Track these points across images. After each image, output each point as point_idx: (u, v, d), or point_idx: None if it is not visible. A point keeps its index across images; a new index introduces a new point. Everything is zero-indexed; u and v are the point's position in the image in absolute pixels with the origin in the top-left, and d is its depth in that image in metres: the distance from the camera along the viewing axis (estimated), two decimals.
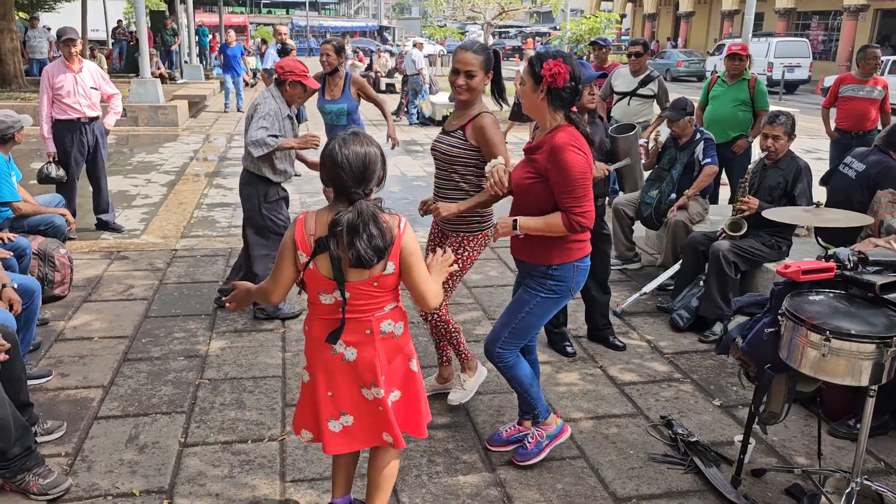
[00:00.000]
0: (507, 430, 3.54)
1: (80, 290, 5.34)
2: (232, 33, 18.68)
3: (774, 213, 3.60)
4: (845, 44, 29.85)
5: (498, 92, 3.64)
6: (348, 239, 2.34)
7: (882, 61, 7.69)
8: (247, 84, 21.85)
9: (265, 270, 4.61)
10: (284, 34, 12.48)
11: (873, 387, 2.72)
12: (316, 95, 5.90)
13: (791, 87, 25.71)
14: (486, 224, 3.69)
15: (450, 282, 3.72)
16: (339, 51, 6.00)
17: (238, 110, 16.99)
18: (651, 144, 6.22)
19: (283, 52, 10.96)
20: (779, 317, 2.79)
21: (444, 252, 2.70)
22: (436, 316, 3.74)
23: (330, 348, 2.52)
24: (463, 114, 3.57)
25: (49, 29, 22.78)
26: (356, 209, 2.36)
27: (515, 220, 3.03)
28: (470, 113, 3.53)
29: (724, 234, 4.87)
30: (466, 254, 3.69)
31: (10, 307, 3.67)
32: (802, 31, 34.92)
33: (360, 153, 2.39)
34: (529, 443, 3.38)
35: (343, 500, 2.82)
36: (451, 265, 2.69)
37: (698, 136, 5.70)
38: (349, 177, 2.37)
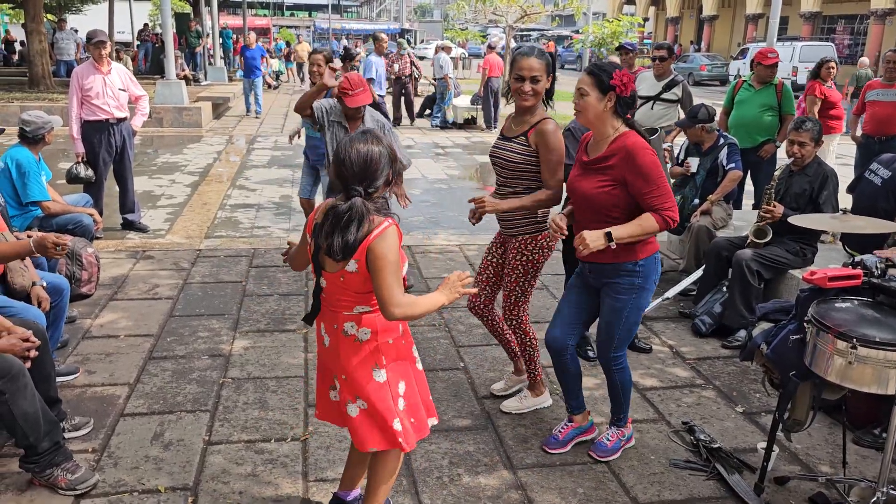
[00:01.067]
0: (561, 431, 3.56)
1: (106, 289, 5.42)
2: (252, 35, 18.59)
3: (801, 220, 3.58)
4: (872, 48, 29.47)
5: (549, 95, 3.62)
6: (329, 229, 2.44)
7: None
8: (269, 86, 21.96)
9: None
10: (384, 41, 12.27)
11: None
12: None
13: None
14: (543, 226, 3.64)
15: (518, 289, 3.69)
16: (329, 60, 5.98)
17: (256, 115, 16.88)
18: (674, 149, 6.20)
19: (347, 57, 10.26)
20: (804, 324, 2.78)
21: (460, 273, 2.62)
22: (514, 322, 3.78)
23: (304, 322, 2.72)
24: (523, 119, 3.55)
25: (76, 31, 23.13)
26: (350, 205, 2.42)
27: (608, 234, 2.99)
28: (531, 119, 3.51)
29: (750, 242, 4.84)
30: (527, 257, 3.62)
31: (39, 304, 3.74)
32: (828, 35, 34.56)
33: (361, 151, 2.44)
34: (610, 440, 3.48)
35: (343, 494, 2.93)
36: (465, 284, 2.59)
37: (721, 140, 5.67)
38: (350, 174, 2.44)
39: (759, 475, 3.18)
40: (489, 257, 3.86)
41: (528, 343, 3.81)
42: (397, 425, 2.57)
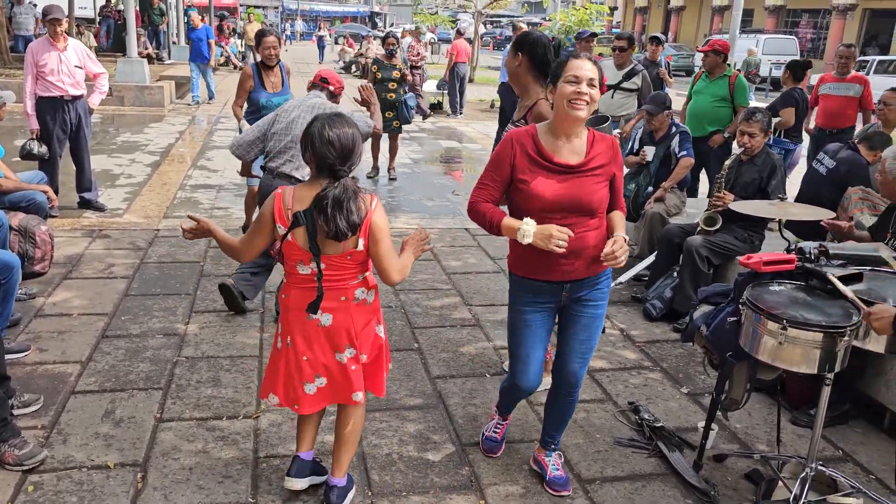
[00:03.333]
0: (553, 469, 3.18)
1: (60, 268, 5.37)
2: (195, 14, 16.87)
3: (741, 206, 3.70)
4: (833, 42, 30.02)
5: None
6: (332, 212, 2.48)
7: (856, 58, 7.78)
8: (235, 67, 21.40)
9: None
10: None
11: (829, 375, 2.82)
12: (252, 87, 5.84)
13: (778, 83, 25.84)
14: None
15: None
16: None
17: (209, 102, 15.61)
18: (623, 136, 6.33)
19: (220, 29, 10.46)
20: (740, 306, 2.88)
21: (421, 230, 2.82)
22: None
23: (307, 315, 2.68)
24: (523, 104, 3.66)
25: (35, 5, 22.52)
26: (342, 185, 2.51)
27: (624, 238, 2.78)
28: (528, 103, 3.61)
29: (700, 229, 4.96)
30: None
31: None
32: (791, 29, 35.10)
33: (347, 134, 2.57)
34: (559, 469, 3.18)
35: (307, 454, 3.00)
36: (425, 242, 2.79)
37: (674, 129, 5.79)
38: (337, 155, 2.53)
39: (698, 453, 3.30)
40: None
41: None
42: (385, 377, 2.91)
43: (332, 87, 4.69)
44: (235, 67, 20.97)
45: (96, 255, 5.71)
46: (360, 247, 2.60)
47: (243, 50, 24.35)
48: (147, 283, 5.23)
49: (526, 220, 2.65)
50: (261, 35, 5.87)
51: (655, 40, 8.75)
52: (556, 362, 3.02)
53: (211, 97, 15.87)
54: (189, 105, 15.06)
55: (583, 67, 2.66)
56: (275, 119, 4.50)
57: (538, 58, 3.55)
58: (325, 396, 2.79)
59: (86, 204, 7.04)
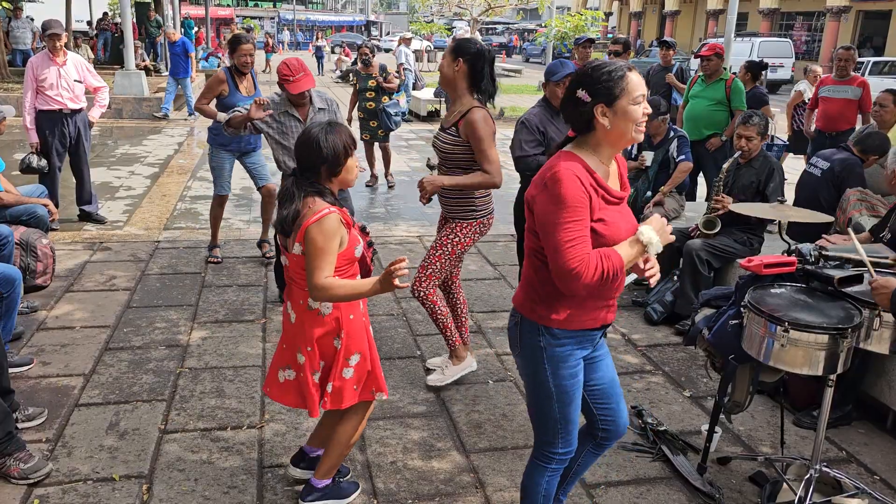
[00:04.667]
0: None
1: (62, 280, 5.38)
2: (171, 28, 16.14)
3: (741, 208, 3.72)
4: (828, 44, 30.14)
5: (490, 94, 3.79)
6: (278, 203, 2.67)
7: (856, 60, 7.81)
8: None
9: None
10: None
11: (832, 377, 2.83)
12: (226, 93, 5.69)
13: (773, 86, 25.95)
14: (480, 213, 3.85)
15: (437, 265, 3.84)
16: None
17: (189, 116, 14.66)
18: None
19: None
20: (742, 309, 2.90)
21: (400, 260, 2.49)
22: (420, 294, 3.87)
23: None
24: (454, 110, 3.73)
25: (32, 20, 22.65)
26: (297, 184, 2.64)
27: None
28: (461, 109, 3.67)
29: (698, 232, 4.97)
30: (458, 239, 3.83)
31: None
32: (786, 32, 35.21)
33: (338, 144, 2.65)
34: None
35: (308, 448, 3.13)
36: (399, 276, 2.47)
37: (672, 133, 5.82)
38: (319, 161, 2.63)
39: (702, 456, 3.30)
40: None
41: (437, 313, 3.93)
42: (329, 388, 2.77)
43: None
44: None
45: (98, 268, 5.72)
46: (296, 251, 2.64)
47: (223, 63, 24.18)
48: (149, 294, 5.24)
49: (641, 228, 2.24)
50: (237, 41, 5.68)
51: (665, 45, 8.78)
52: (609, 418, 2.61)
53: (190, 113, 14.69)
54: (186, 119, 14.73)
55: (642, 84, 2.24)
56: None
57: (477, 70, 3.65)
58: (292, 393, 2.83)
59: (86, 217, 7.06)
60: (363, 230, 2.94)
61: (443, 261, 3.85)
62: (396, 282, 2.46)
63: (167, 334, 4.60)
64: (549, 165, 2.24)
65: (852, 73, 7.81)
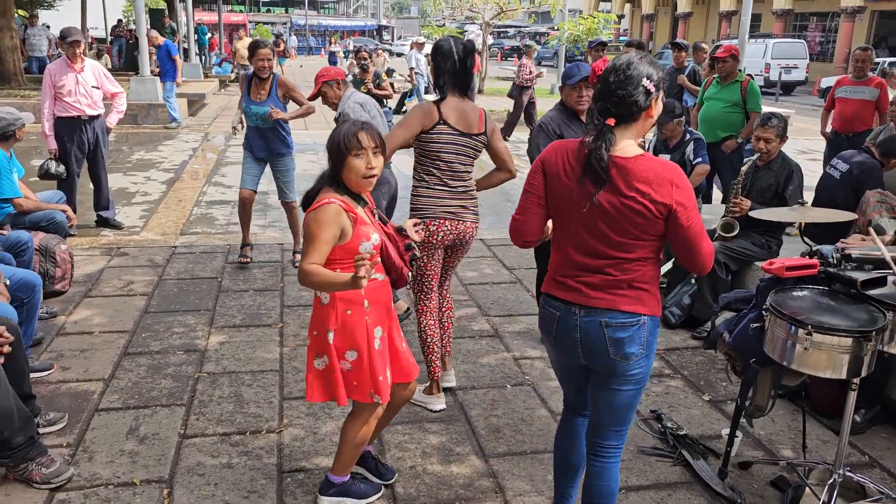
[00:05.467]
0: None
1: (80, 286, 5.41)
2: (153, 32, 15.03)
3: (761, 213, 3.69)
4: (842, 45, 29.95)
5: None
6: None
7: (874, 61, 7.76)
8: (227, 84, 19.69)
9: None
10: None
11: (855, 380, 2.80)
12: (240, 96, 5.89)
13: (788, 88, 25.83)
14: (422, 213, 3.67)
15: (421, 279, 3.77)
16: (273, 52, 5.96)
17: (173, 125, 13.88)
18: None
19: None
20: (763, 312, 2.87)
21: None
22: (414, 313, 3.85)
23: None
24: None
25: (48, 27, 22.85)
26: (327, 174, 2.76)
27: None
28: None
29: (716, 235, 4.94)
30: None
31: None
32: (800, 33, 35.00)
33: (335, 141, 2.71)
34: None
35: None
36: (363, 270, 2.47)
37: (688, 136, 5.78)
38: (329, 154, 2.74)
39: (723, 460, 3.28)
40: None
41: (421, 333, 3.85)
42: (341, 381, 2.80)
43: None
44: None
45: (115, 273, 5.75)
46: None
47: (236, 70, 24.07)
48: (166, 299, 5.26)
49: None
50: (255, 46, 5.80)
51: (678, 46, 8.77)
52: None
53: (173, 120, 13.96)
54: (202, 125, 14.66)
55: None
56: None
57: (442, 68, 3.62)
58: (320, 381, 2.86)
59: (103, 222, 7.11)
60: (399, 231, 2.91)
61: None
62: (360, 273, 2.42)
63: (185, 339, 4.62)
64: (658, 161, 2.34)
65: (869, 74, 7.75)
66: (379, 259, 2.81)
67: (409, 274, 2.93)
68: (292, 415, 3.75)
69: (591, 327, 2.41)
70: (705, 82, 7.54)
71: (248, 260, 6.04)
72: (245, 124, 6.07)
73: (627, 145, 2.34)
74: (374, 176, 2.71)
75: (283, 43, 32.43)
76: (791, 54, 26.82)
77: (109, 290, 5.40)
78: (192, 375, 4.14)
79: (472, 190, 3.77)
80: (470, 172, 3.75)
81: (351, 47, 34.42)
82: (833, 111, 7.92)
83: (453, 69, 3.61)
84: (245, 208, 6.07)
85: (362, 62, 8.81)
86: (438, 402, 3.87)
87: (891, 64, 21.03)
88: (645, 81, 2.30)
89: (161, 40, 14.42)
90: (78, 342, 4.51)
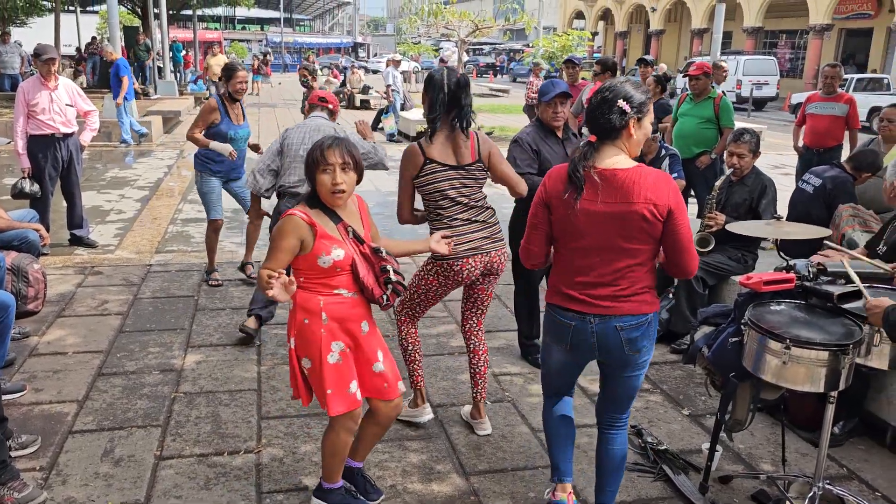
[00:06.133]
0: None
1: (53, 306, 5.33)
2: (107, 44, 14.13)
3: (737, 227, 3.73)
4: (811, 62, 30.49)
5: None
6: None
7: (843, 77, 7.92)
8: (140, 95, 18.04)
9: None
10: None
11: (833, 393, 2.83)
12: (218, 120, 5.67)
13: (759, 103, 26.23)
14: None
15: (409, 292, 3.68)
16: (310, 71, 5.94)
17: (123, 142, 13.41)
18: None
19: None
20: (742, 326, 2.90)
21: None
22: (397, 318, 3.82)
23: None
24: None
25: (20, 44, 22.64)
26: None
27: None
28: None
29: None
30: (421, 273, 3.69)
31: None
32: (770, 50, 35.63)
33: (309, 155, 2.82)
34: None
35: (349, 461, 3.14)
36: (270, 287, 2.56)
37: (664, 152, 5.85)
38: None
39: (704, 475, 3.29)
40: None
41: (405, 347, 3.80)
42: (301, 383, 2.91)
43: (330, 106, 5.00)
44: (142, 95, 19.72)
45: (89, 292, 5.67)
46: None
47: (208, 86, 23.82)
48: (141, 318, 5.19)
49: None
50: (232, 69, 5.74)
51: (643, 62, 8.89)
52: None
53: (123, 141, 13.34)
54: (177, 142, 14.38)
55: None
56: (283, 143, 4.80)
57: (433, 100, 3.49)
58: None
59: (77, 241, 7.01)
60: (376, 252, 2.87)
61: (412, 291, 3.68)
62: (271, 289, 2.54)
63: (161, 359, 4.55)
64: (654, 170, 2.61)
65: (839, 90, 7.89)
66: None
67: (385, 297, 2.87)
68: (271, 434, 3.71)
69: (608, 331, 2.68)
70: (679, 99, 7.65)
71: (220, 283, 5.97)
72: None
73: (618, 159, 2.58)
74: (342, 192, 2.74)
75: (257, 60, 32.31)
76: (762, 71, 27.27)
77: (83, 310, 5.31)
78: (168, 395, 4.08)
79: (491, 217, 3.64)
80: (481, 201, 3.61)
81: (317, 66, 34.21)
82: (804, 127, 8.05)
83: (444, 102, 3.46)
84: (217, 235, 6.05)
85: (302, 80, 8.23)
86: (425, 414, 3.84)
87: (859, 80, 21.49)
88: (621, 103, 2.53)
89: (115, 56, 13.60)
90: (51, 363, 4.43)
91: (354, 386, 2.87)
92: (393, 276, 2.85)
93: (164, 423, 3.79)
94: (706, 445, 3.49)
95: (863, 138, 7.27)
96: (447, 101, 3.47)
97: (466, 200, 3.56)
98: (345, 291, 2.82)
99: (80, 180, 7.01)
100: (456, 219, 3.55)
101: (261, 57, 34.39)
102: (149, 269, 6.29)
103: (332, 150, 2.72)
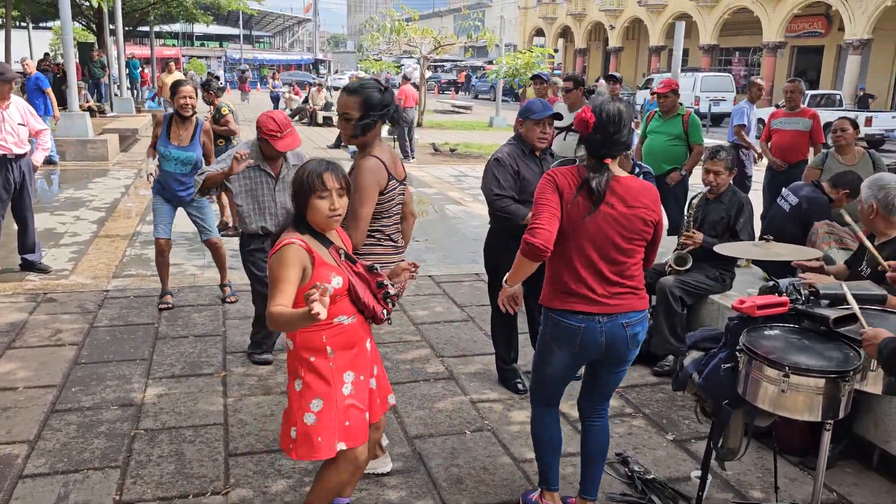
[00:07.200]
0: None
1: (2, 336, 5.03)
2: (28, 60, 13.62)
3: (726, 249, 3.63)
4: (766, 78, 31.16)
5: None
6: None
7: (803, 92, 7.98)
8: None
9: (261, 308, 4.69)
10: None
11: (829, 422, 2.72)
12: (160, 137, 5.57)
13: (717, 119, 26.65)
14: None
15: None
16: (206, 87, 5.61)
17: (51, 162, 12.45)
18: None
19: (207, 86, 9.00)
20: (736, 352, 2.78)
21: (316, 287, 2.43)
22: None
23: None
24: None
25: None
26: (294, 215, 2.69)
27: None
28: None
29: (670, 269, 4.90)
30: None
31: None
32: (725, 67, 36.34)
33: (299, 179, 2.64)
34: None
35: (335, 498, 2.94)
36: (312, 304, 2.32)
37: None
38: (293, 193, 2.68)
39: None
40: None
41: None
42: (293, 433, 2.66)
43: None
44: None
45: (42, 321, 5.37)
46: None
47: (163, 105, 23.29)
48: (98, 349, 4.92)
49: None
50: (177, 84, 5.57)
51: (612, 79, 8.87)
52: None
53: (47, 160, 11.47)
54: (134, 161, 13.98)
55: None
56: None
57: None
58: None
59: (29, 266, 6.68)
60: (371, 270, 2.76)
61: None
62: (313, 307, 2.24)
63: (119, 392, 4.30)
64: (647, 183, 2.90)
65: (802, 105, 7.96)
66: (329, 287, 2.51)
67: (385, 311, 2.76)
68: (239, 473, 3.49)
69: (616, 329, 2.83)
70: (647, 116, 7.62)
71: (171, 306, 5.72)
72: (154, 170, 5.76)
73: (616, 169, 2.85)
74: (338, 217, 2.63)
75: (249, 77, 31.25)
76: (719, 87, 27.76)
77: (35, 341, 5.02)
78: (127, 433, 3.84)
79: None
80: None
81: (279, 85, 33.33)
82: (770, 143, 8.08)
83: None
84: (163, 257, 5.79)
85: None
86: (382, 465, 3.53)
87: (813, 96, 21.93)
88: (632, 125, 2.89)
89: (33, 70, 12.75)
90: None
91: (366, 416, 2.75)
92: (391, 290, 2.76)
93: (123, 463, 3.55)
94: (696, 474, 3.38)
95: None
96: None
97: (398, 219, 3.49)
98: (345, 318, 2.68)
99: (33, 202, 6.71)
100: (389, 238, 3.40)
101: (239, 74, 33.89)
102: (105, 295, 6.01)
103: (330, 174, 2.60)
